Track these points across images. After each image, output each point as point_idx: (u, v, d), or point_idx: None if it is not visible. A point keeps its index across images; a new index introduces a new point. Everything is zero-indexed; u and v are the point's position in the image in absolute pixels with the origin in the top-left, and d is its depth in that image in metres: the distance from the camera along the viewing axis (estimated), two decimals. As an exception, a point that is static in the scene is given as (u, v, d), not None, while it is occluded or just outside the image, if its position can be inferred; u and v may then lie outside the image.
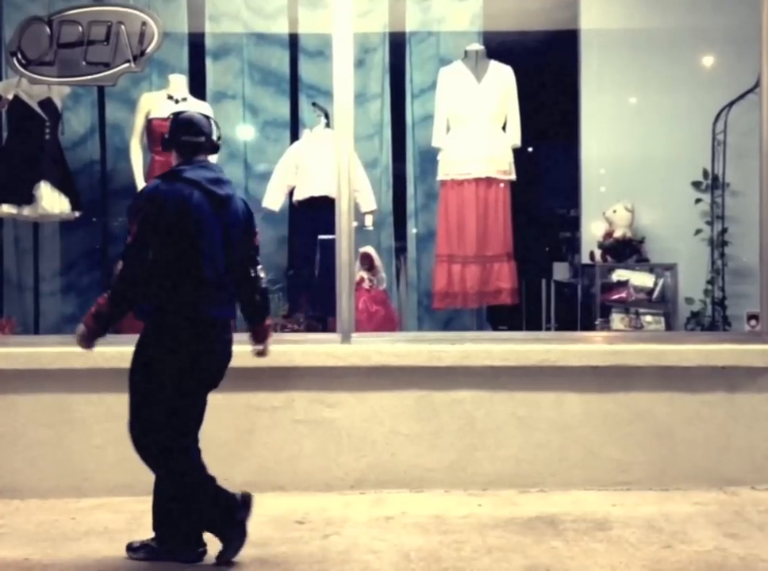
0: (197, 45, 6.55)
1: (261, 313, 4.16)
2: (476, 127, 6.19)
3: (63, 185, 6.02)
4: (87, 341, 3.85)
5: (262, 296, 4.11)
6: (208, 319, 3.85)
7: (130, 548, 3.98)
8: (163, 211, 3.75)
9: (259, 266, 4.09)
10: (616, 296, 6.35)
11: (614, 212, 6.55)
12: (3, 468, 4.98)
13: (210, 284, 3.83)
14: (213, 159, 6.02)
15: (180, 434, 3.85)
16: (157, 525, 3.94)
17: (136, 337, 3.90)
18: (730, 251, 6.44)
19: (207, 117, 4.12)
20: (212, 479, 3.86)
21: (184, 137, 3.97)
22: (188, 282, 3.78)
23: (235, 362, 4.92)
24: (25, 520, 4.59)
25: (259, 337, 4.21)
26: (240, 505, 3.82)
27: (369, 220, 6.43)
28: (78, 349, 3.88)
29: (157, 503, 3.93)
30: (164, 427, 3.81)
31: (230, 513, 3.81)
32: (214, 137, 4.07)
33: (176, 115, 4.10)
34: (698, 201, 6.50)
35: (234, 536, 3.83)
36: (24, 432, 4.99)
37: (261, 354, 4.26)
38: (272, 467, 5.02)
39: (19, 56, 5.35)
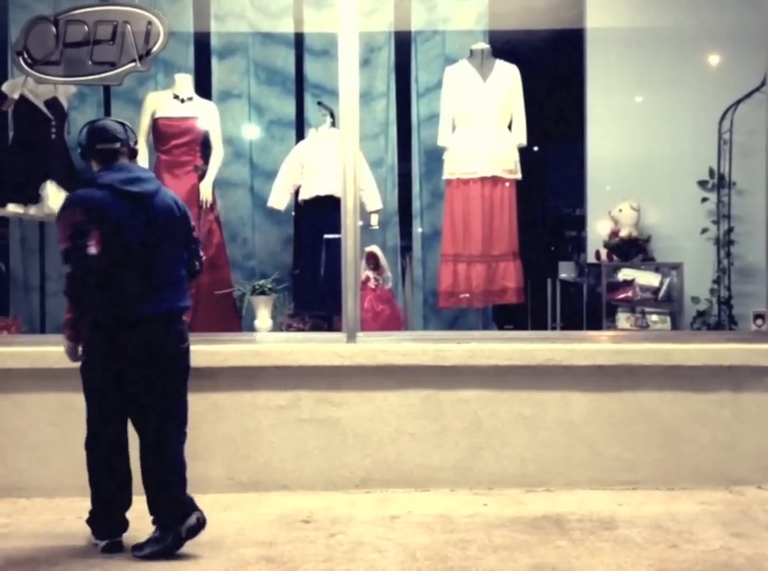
0: (202, 44, 6.56)
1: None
2: (482, 126, 6.19)
3: (69, 184, 6.02)
4: (72, 354, 4.07)
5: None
6: (132, 318, 3.93)
7: (135, 548, 3.99)
8: (87, 216, 3.85)
9: (203, 258, 4.28)
10: (621, 296, 6.34)
11: (620, 211, 6.55)
12: (9, 466, 4.99)
13: (136, 282, 3.92)
14: (217, 160, 6.18)
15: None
16: (153, 511, 4.02)
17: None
18: (736, 250, 6.43)
19: (122, 124, 4.19)
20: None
21: (99, 145, 4.07)
22: (112, 282, 3.87)
23: (240, 361, 4.97)
24: (31, 519, 4.60)
25: None
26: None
27: (374, 220, 6.44)
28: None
29: (148, 491, 4.02)
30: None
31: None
32: (131, 143, 4.14)
33: (90, 124, 4.21)
34: (704, 199, 6.50)
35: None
36: (31, 431, 5.00)
37: None
38: (278, 466, 5.03)
39: (25, 56, 5.34)
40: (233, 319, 6.05)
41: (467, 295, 6.24)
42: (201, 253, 4.27)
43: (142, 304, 3.93)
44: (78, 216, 3.83)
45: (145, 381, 3.98)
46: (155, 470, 4.01)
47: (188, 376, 4.17)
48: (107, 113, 6.56)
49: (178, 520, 3.93)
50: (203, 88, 6.40)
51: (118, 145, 4.07)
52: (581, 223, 7.13)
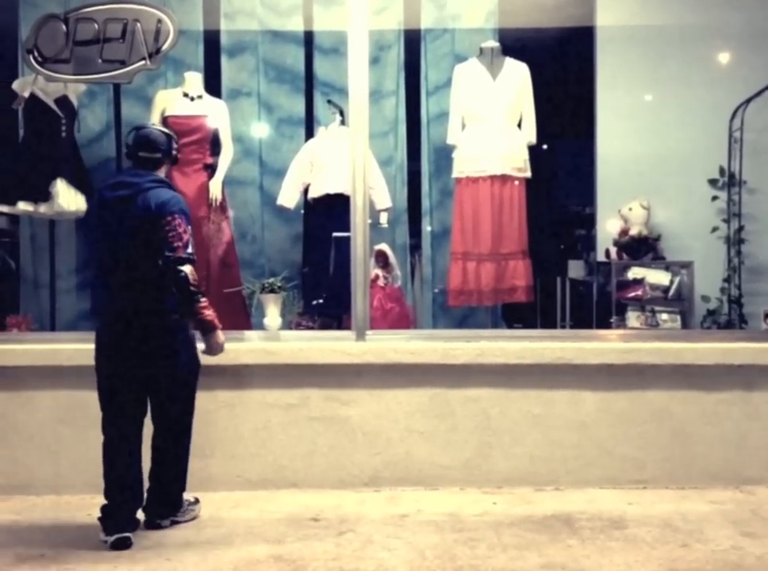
0: (212, 43, 6.56)
1: (182, 304, 4.10)
2: (491, 124, 6.18)
3: (79, 182, 6.05)
4: None
5: (177, 287, 4.04)
6: (102, 313, 4.25)
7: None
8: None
9: (170, 257, 4.02)
10: (631, 294, 6.33)
11: (630, 209, 6.54)
12: (20, 464, 5.00)
13: (106, 281, 4.18)
14: (227, 158, 6.17)
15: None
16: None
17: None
18: (746, 248, 6.41)
19: (167, 134, 4.39)
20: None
21: (141, 153, 4.29)
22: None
23: (249, 359, 4.97)
24: (41, 516, 4.61)
25: (197, 330, 4.22)
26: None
27: (384, 218, 6.44)
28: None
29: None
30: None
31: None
32: (173, 152, 4.40)
33: (137, 130, 4.39)
34: (715, 198, 6.48)
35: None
36: (41, 429, 5.00)
37: (204, 350, 4.25)
38: (287, 464, 5.03)
39: (35, 54, 5.36)
40: (243, 317, 6.05)
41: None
42: (168, 253, 4.02)
43: (106, 303, 4.18)
44: None
45: (128, 379, 4.15)
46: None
47: (176, 375, 4.22)
48: (117, 111, 6.59)
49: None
50: (213, 86, 6.40)
51: (159, 155, 4.30)
52: (590, 221, 7.12)
